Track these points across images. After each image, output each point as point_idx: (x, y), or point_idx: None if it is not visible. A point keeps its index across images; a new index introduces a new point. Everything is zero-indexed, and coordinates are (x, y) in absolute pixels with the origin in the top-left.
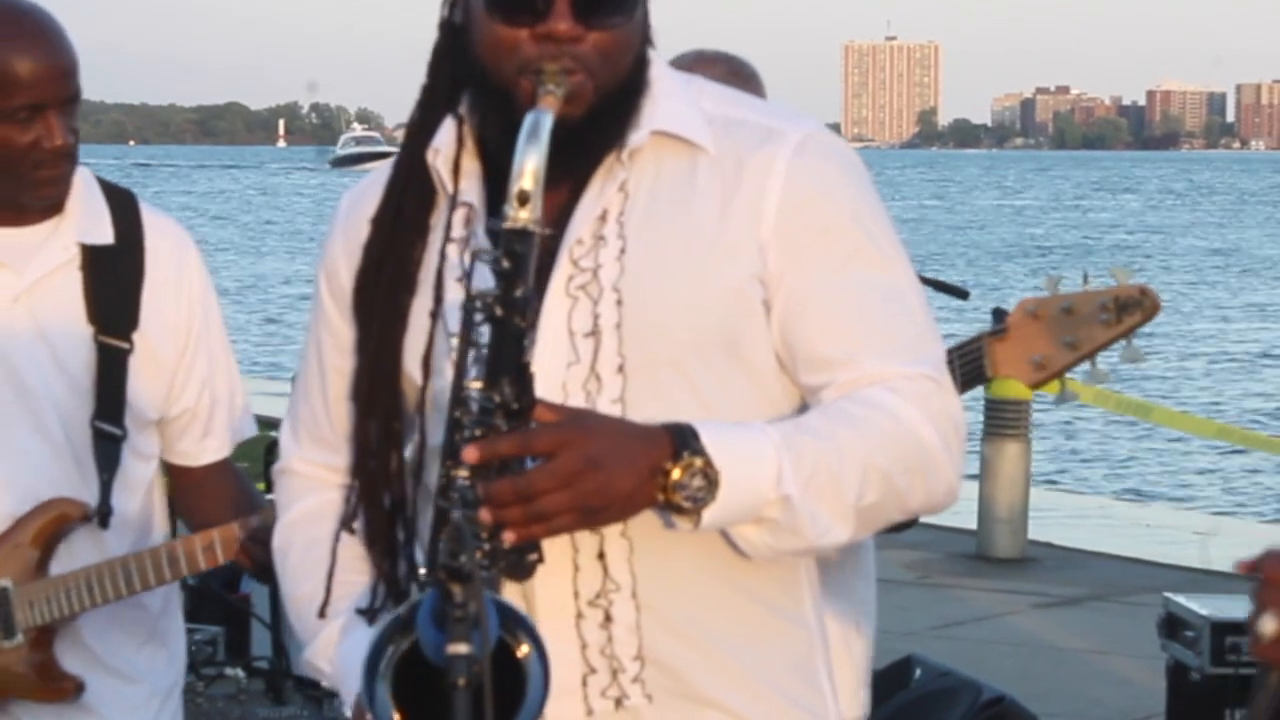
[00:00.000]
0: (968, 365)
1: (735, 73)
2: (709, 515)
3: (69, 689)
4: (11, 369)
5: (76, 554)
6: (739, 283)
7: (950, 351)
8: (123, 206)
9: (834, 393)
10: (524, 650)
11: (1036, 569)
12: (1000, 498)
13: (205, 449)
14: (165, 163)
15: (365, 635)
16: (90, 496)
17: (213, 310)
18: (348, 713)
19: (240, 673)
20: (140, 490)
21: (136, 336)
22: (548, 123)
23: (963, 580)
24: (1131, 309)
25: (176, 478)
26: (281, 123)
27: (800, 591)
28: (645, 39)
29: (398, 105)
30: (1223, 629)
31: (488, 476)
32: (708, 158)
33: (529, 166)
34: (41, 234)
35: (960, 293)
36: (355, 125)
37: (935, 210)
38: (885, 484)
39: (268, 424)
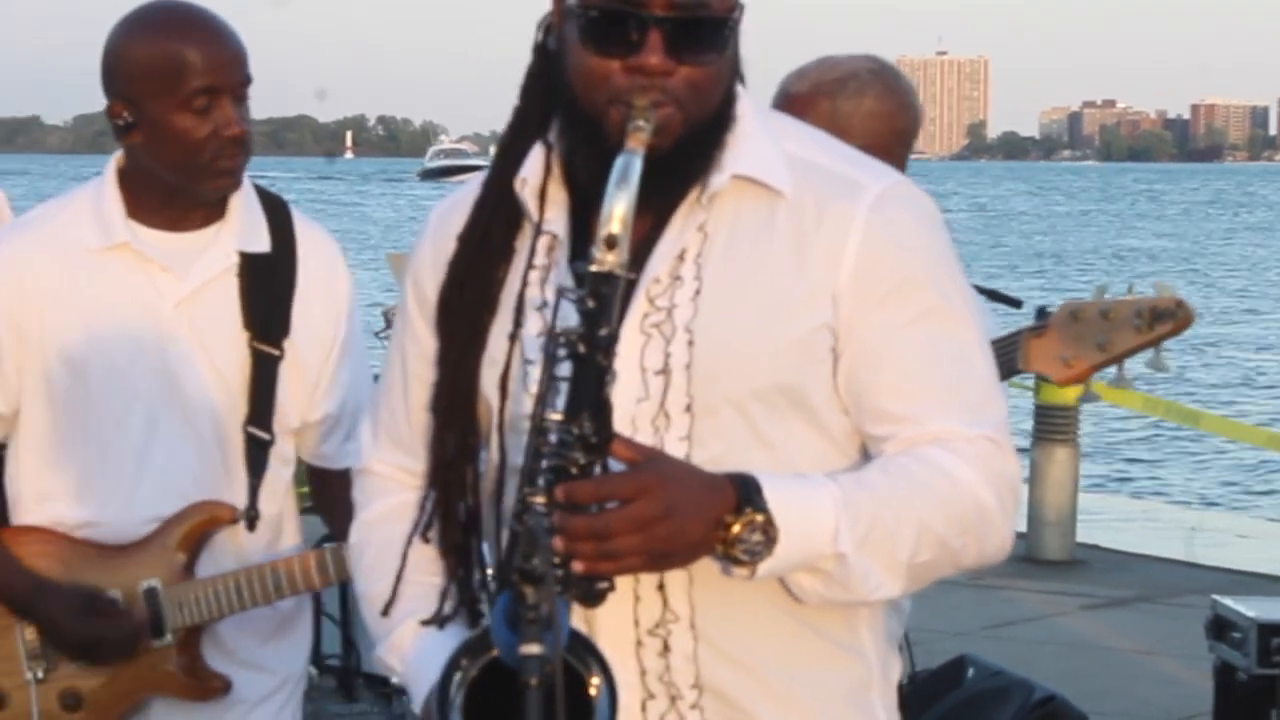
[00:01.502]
0: (1002, 357)
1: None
2: (764, 567)
3: (217, 688)
4: (169, 373)
5: (216, 555)
6: (809, 330)
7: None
8: (278, 215)
9: (895, 446)
10: (595, 682)
11: (1085, 571)
12: (1049, 501)
13: (346, 452)
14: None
15: (436, 637)
16: (234, 499)
17: (356, 321)
18: (416, 709)
19: (313, 670)
20: (279, 494)
21: (286, 343)
22: (638, 166)
23: (1013, 582)
24: (1164, 319)
25: (317, 479)
26: (349, 134)
27: (858, 623)
28: (735, 75)
29: (460, 118)
30: (1269, 630)
31: (566, 508)
32: (787, 203)
33: (618, 211)
34: (203, 240)
35: (1014, 302)
36: (443, 138)
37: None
38: (939, 544)
39: None
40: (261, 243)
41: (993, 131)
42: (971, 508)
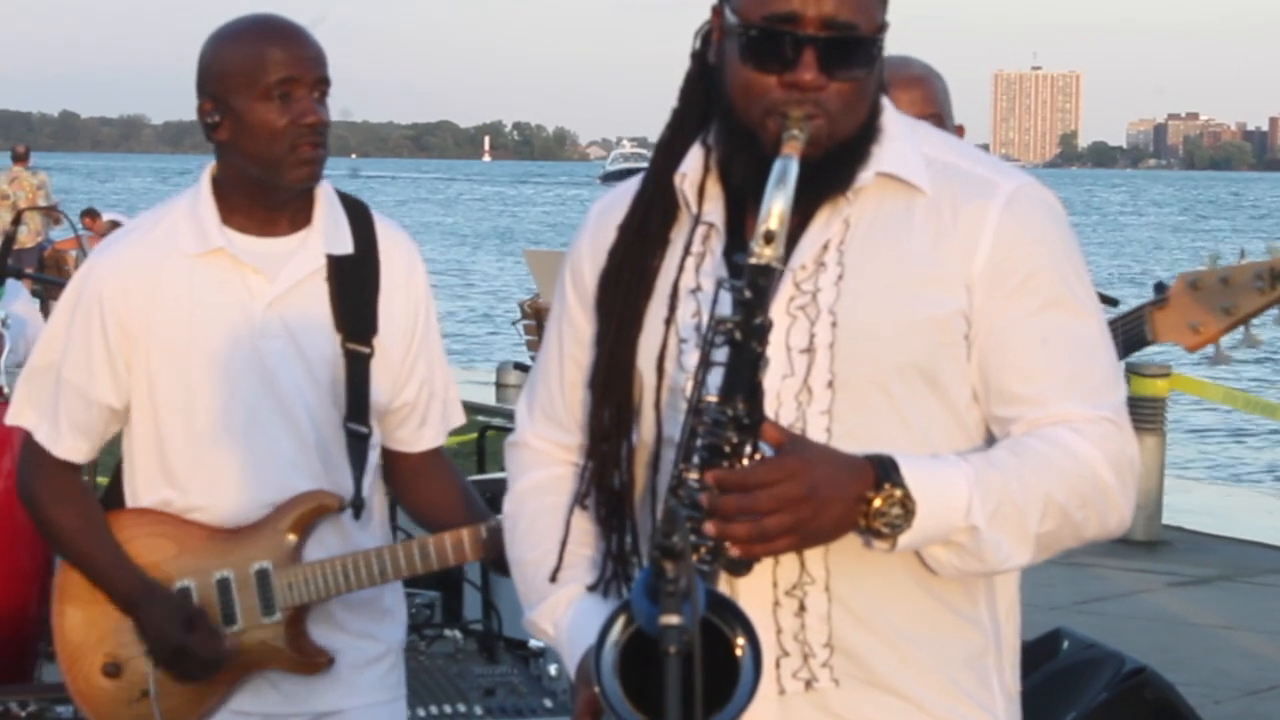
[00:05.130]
0: (1130, 332)
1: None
2: (904, 539)
3: (322, 663)
4: (265, 369)
5: (322, 540)
6: (945, 315)
7: (1113, 321)
8: (359, 217)
9: (1021, 428)
10: (740, 643)
11: (1170, 551)
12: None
13: (422, 437)
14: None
15: (588, 604)
16: (336, 489)
17: (432, 313)
18: (570, 672)
19: (457, 634)
20: (372, 479)
21: (376, 341)
22: (794, 170)
23: (1103, 560)
24: None
25: (393, 462)
26: (487, 139)
27: (977, 595)
28: (880, 89)
29: (589, 123)
30: None
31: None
32: (925, 199)
33: (776, 209)
34: (292, 245)
35: (1110, 301)
36: (625, 143)
37: None
38: (1062, 516)
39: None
40: (345, 245)
41: (1083, 141)
42: (1092, 482)
